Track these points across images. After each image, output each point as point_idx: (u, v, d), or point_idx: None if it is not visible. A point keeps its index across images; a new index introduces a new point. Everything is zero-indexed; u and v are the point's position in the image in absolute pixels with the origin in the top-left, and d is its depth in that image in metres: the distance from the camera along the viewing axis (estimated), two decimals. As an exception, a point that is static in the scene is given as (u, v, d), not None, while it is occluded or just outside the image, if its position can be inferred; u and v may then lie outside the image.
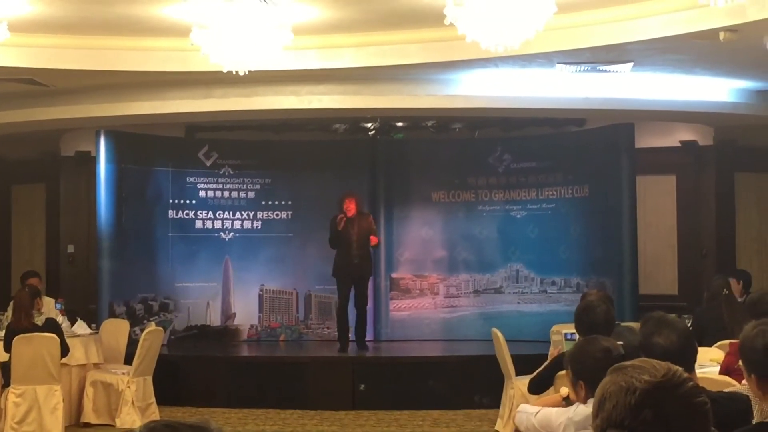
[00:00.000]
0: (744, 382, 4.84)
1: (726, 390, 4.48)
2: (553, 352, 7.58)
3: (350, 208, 12.85)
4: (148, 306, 13.77)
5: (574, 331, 7.21)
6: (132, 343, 11.66)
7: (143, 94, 11.59)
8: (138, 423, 10.52)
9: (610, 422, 2.26)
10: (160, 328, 11.74)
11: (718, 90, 11.76)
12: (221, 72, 8.25)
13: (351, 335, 13.19)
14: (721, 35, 8.28)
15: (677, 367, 2.32)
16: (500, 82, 11.21)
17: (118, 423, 10.62)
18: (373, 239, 12.90)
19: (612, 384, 2.30)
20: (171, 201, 14.17)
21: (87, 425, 10.88)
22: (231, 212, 14.49)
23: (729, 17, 7.97)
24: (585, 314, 6.37)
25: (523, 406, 4.56)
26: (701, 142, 14.01)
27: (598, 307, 6.33)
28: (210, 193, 14.43)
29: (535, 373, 6.90)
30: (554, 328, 10.35)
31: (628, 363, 2.35)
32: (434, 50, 9.72)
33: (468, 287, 14.55)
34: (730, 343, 6.94)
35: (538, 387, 6.81)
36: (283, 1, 8.24)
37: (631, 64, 10.07)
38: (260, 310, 14.48)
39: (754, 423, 3.68)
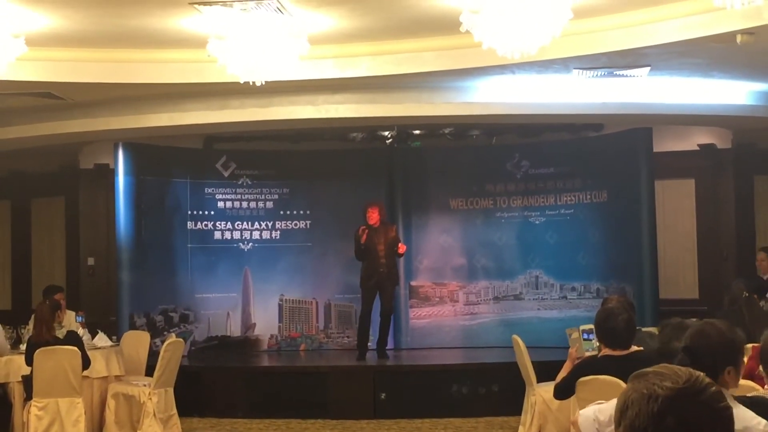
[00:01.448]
0: (767, 386, 4.82)
1: (749, 395, 4.45)
2: (572, 351, 7.55)
3: (372, 216, 12.85)
4: (169, 317, 13.79)
5: (592, 327, 7.19)
6: (153, 355, 11.67)
7: (161, 106, 11.62)
8: (160, 434, 10.54)
9: (632, 430, 2.25)
10: (181, 340, 11.74)
11: (736, 93, 11.72)
12: (238, 83, 8.28)
13: (372, 344, 13.19)
14: (739, 38, 8.25)
15: (699, 373, 2.31)
16: (517, 89, 11.20)
17: (140, 435, 10.64)
18: (401, 247, 12.91)
19: (633, 391, 2.29)
20: (190, 212, 14.19)
21: (109, 437, 10.90)
22: (249, 222, 14.51)
23: (746, 20, 7.95)
24: (605, 322, 6.34)
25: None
26: (720, 145, 13.96)
27: (619, 315, 6.29)
28: (228, 204, 14.45)
29: (559, 379, 6.86)
30: (569, 330, 10.26)
31: (649, 369, 2.34)
32: (451, 57, 9.72)
33: (487, 294, 14.53)
34: (753, 347, 6.89)
35: (563, 393, 6.79)
36: (299, 11, 8.26)
37: (648, 68, 10.05)
38: (280, 320, 14.48)
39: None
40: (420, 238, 14.66)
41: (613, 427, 2.39)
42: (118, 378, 11.23)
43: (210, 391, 12.32)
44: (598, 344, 6.85)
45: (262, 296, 14.45)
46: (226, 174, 14.44)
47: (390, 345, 13.64)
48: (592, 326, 7.35)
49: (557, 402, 9.46)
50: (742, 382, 6.00)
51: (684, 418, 2.22)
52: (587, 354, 8.26)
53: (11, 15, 7.88)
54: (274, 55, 7.95)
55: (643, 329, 7.93)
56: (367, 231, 12.80)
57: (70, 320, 11.62)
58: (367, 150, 14.48)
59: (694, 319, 6.61)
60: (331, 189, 14.49)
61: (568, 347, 10.01)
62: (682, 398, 2.23)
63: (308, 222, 14.62)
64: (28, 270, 15.80)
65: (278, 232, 14.59)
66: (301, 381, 12.27)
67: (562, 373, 7.00)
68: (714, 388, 2.28)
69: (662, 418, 2.22)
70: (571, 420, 4.41)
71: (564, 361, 7.29)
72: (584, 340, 8.60)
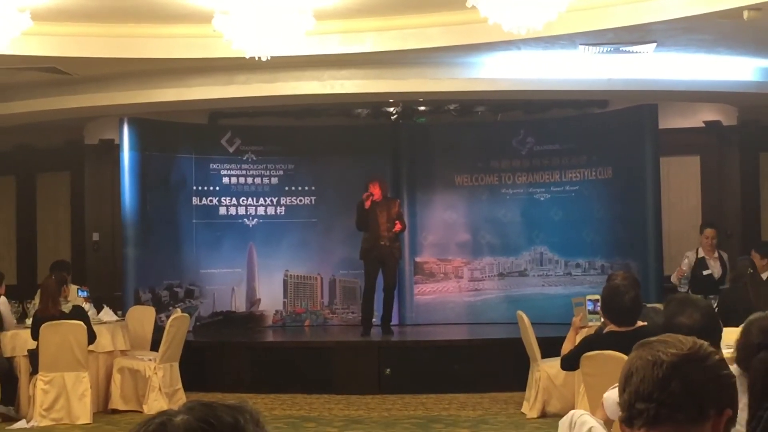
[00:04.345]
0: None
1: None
2: (575, 320, 7.58)
3: (375, 191, 12.83)
4: (174, 293, 13.82)
5: (598, 297, 7.21)
6: (158, 330, 11.71)
7: (166, 81, 11.60)
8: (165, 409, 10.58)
9: (637, 396, 2.27)
10: (186, 315, 11.79)
11: (742, 69, 11.68)
12: (244, 58, 8.27)
13: (377, 319, 13.21)
14: (746, 14, 8.22)
15: (703, 341, 2.33)
16: (523, 65, 11.17)
17: (146, 409, 10.67)
18: (397, 225, 12.89)
19: (638, 359, 2.31)
20: (195, 188, 14.20)
21: (115, 411, 10.93)
22: (254, 198, 14.51)
23: (753, -5, 7.92)
24: (612, 300, 6.35)
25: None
26: (725, 122, 13.94)
27: (626, 293, 6.29)
28: (233, 180, 14.46)
29: (566, 350, 6.88)
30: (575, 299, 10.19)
31: (653, 339, 2.36)
32: (456, 33, 9.69)
33: (492, 270, 14.53)
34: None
35: (570, 365, 6.81)
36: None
37: (654, 44, 10.02)
38: (285, 296, 14.51)
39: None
40: (425, 214, 14.67)
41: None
42: (123, 352, 11.28)
43: (215, 366, 12.36)
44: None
45: (266, 272, 14.47)
46: (231, 150, 14.44)
47: (395, 321, 13.66)
48: (598, 296, 7.38)
49: (562, 377, 9.51)
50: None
51: (688, 382, 2.24)
52: (591, 324, 8.29)
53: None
54: (280, 30, 7.94)
55: (648, 305, 7.95)
56: (371, 198, 12.77)
57: (73, 295, 11.66)
58: (372, 126, 14.47)
59: (700, 296, 6.62)
60: (335, 165, 14.48)
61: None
62: (687, 363, 2.26)
63: (313, 198, 14.62)
64: (33, 245, 15.83)
65: (283, 207, 14.59)
66: (306, 356, 12.31)
67: (567, 343, 7.03)
68: (717, 356, 2.31)
69: (667, 382, 2.24)
70: (602, 400, 4.42)
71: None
72: (589, 312, 8.62)
